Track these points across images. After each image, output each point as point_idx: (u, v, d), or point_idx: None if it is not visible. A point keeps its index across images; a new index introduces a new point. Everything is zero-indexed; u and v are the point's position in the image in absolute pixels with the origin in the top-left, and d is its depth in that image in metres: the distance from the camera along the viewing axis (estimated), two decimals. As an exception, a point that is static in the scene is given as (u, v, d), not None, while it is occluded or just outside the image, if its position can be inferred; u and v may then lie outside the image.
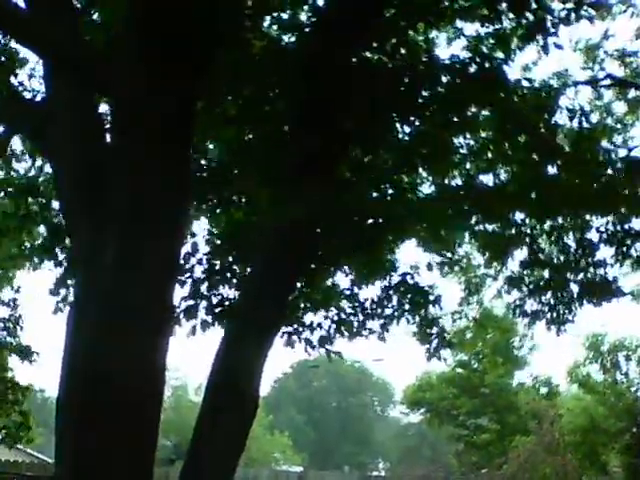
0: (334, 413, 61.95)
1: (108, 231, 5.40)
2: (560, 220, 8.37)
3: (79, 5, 7.96)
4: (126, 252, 5.14)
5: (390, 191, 7.40)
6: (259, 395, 6.53)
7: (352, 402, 62.53)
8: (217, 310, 7.23)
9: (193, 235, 7.82)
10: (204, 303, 7.34)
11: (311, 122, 6.42)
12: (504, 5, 6.72)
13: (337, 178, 6.80)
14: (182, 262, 7.41)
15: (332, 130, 6.33)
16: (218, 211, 7.78)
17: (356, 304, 8.17)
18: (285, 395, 59.01)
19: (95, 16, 8.15)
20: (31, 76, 8.79)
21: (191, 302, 7.28)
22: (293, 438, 49.29)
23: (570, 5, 6.91)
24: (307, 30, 6.85)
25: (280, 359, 25.94)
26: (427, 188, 7.94)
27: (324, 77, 6.26)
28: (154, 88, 5.32)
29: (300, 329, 7.66)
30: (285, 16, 7.19)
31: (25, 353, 12.33)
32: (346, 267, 8.02)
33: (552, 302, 8.66)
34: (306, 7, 7.21)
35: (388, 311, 8.24)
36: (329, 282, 8.17)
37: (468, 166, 7.88)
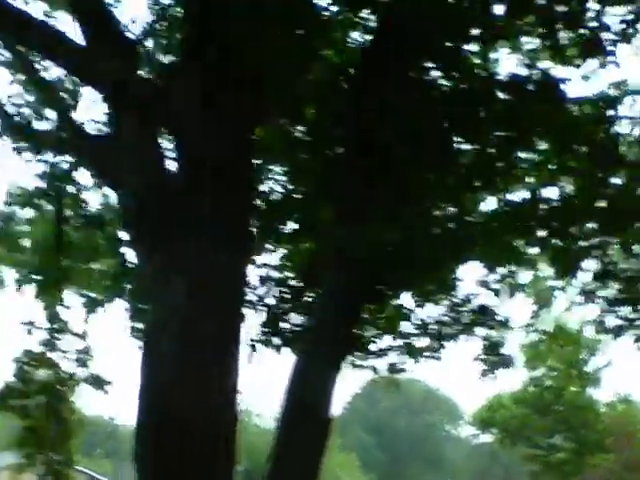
0: (402, 433, 61.42)
1: (175, 263, 5.48)
2: (631, 231, 8.18)
3: (134, 37, 8.15)
4: (194, 284, 5.21)
5: (452, 210, 7.36)
6: (332, 416, 6.55)
7: (420, 422, 61.94)
8: (288, 335, 7.29)
9: (264, 265, 7.92)
10: (276, 329, 7.42)
11: (369, 145, 6.43)
12: (560, 23, 6.64)
13: (402, 203, 6.77)
14: (254, 290, 7.50)
15: (390, 154, 6.33)
16: (287, 239, 7.85)
17: (420, 325, 8.13)
18: (353, 416, 58.75)
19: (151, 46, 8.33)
20: (92, 108, 9.00)
21: (264, 329, 7.36)
22: (361, 459, 48.98)
23: (630, 17, 6.78)
24: (362, 50, 6.88)
25: (348, 380, 25.92)
26: (488, 204, 7.87)
27: (381, 98, 6.26)
28: (213, 124, 5.40)
29: (367, 355, 7.67)
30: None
31: (97, 383, 12.52)
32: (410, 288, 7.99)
33: (631, 317, 8.48)
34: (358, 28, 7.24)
35: (451, 331, 8.18)
36: (393, 303, 8.15)
37: (530, 180, 7.79)
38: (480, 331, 8.22)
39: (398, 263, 6.73)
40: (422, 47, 6.42)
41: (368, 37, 6.99)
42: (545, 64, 7.05)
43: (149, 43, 8.30)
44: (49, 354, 12.14)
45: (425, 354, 8.14)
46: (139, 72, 7.46)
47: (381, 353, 7.83)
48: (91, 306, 11.18)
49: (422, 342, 8.07)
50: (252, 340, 7.51)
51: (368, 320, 7.65)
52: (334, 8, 6.57)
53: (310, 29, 5.76)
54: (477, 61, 7.05)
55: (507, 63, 7.63)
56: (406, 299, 8.13)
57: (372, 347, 7.79)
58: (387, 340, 7.92)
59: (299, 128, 6.86)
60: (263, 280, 8.12)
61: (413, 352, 7.98)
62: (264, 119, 6.03)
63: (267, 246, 8.11)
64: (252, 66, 5.30)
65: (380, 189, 6.42)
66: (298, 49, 5.67)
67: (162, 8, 7.72)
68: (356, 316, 6.95)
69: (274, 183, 7.76)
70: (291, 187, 7.71)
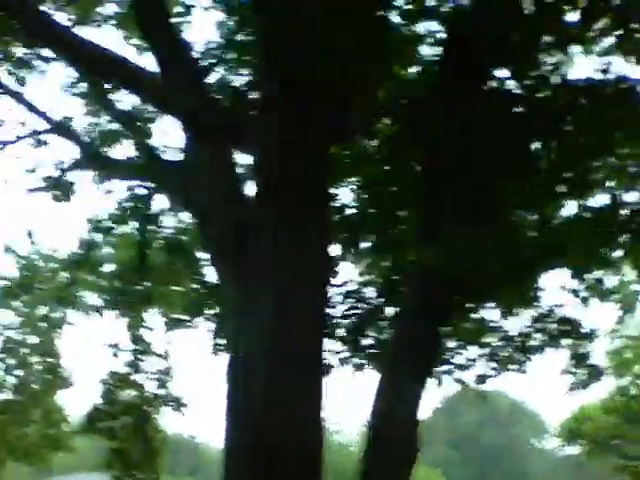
0: (487, 447, 60.48)
1: (256, 284, 5.52)
2: None
3: (207, 63, 8.27)
4: (277, 301, 5.24)
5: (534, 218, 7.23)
6: (419, 432, 6.47)
7: (506, 435, 60.91)
8: (370, 352, 7.23)
9: (344, 282, 7.91)
10: (357, 346, 7.37)
11: (448, 157, 6.36)
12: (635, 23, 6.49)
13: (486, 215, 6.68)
14: (334, 307, 7.49)
15: (471, 165, 6.25)
16: (367, 255, 7.82)
17: (504, 337, 8.00)
18: (436, 430, 58.13)
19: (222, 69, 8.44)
20: (168, 134, 9.16)
21: (345, 347, 7.33)
22: (446, 473, 48.41)
23: None
24: (436, 62, 6.84)
25: (431, 394, 25.67)
26: (567, 210, 7.70)
27: (458, 109, 6.20)
28: (292, 142, 5.43)
29: (452, 368, 7.56)
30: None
31: (176, 404, 12.68)
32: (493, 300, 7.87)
33: None
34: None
35: (535, 343, 8.02)
36: (477, 316, 8.04)
37: (611, 184, 7.61)
38: (566, 342, 8.02)
39: (481, 275, 6.64)
40: (496, 56, 6.35)
41: (438, 49, 6.97)
42: (620, 67, 6.90)
43: (220, 66, 8.44)
44: (133, 375, 12.36)
45: (510, 366, 7.99)
46: (212, 96, 7.60)
47: (466, 365, 7.70)
48: (173, 327, 11.37)
49: (507, 354, 7.91)
50: (334, 357, 7.47)
51: (452, 333, 7.54)
52: (402, 20, 6.57)
53: (387, 46, 5.77)
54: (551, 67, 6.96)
55: (581, 68, 7.52)
56: (490, 311, 8.00)
57: (457, 360, 7.66)
58: (472, 352, 7.79)
59: (374, 143, 6.85)
60: (342, 296, 8.09)
61: (498, 364, 7.83)
62: (343, 136, 6.04)
63: (346, 262, 8.09)
64: (331, 84, 5.31)
65: (461, 201, 6.34)
66: (376, 66, 5.69)
67: (232, 32, 7.82)
68: (439, 330, 6.86)
69: (352, 198, 7.76)
70: (367, 202, 7.69)
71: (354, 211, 7.64)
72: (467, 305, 7.30)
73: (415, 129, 6.51)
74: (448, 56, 6.63)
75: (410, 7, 6.38)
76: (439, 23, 6.61)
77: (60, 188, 8.96)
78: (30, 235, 11.04)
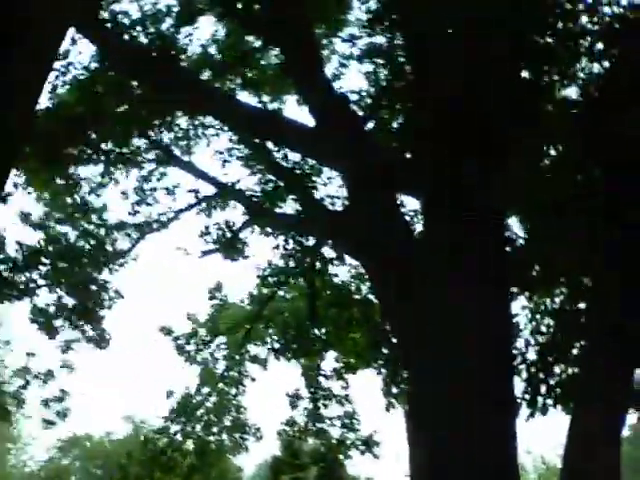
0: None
1: (435, 328, 5.48)
2: None
3: (362, 112, 8.36)
4: (461, 339, 5.18)
5: None
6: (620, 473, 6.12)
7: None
8: (557, 391, 6.91)
9: (515, 315, 7.65)
10: (538, 386, 7.07)
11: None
12: None
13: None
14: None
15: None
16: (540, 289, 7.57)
17: None
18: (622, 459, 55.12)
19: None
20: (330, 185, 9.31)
21: (528, 387, 7.05)
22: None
23: None
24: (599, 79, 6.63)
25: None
26: None
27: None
28: (458, 185, 5.39)
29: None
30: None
31: (367, 446, 12.53)
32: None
33: None
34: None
35: None
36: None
37: None
38: None
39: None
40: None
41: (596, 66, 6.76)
42: None
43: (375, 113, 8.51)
44: (315, 423, 12.41)
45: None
46: (371, 142, 7.66)
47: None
48: (348, 372, 11.43)
49: None
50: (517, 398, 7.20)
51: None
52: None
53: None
54: None
55: None
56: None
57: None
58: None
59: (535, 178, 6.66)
60: (517, 331, 7.81)
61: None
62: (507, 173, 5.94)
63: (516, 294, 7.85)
64: (495, 125, 5.26)
65: None
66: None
67: (387, 79, 7.89)
68: (633, 362, 6.47)
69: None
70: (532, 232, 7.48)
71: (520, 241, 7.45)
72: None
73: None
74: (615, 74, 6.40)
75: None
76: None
77: (233, 248, 9.26)
78: (213, 294, 11.48)
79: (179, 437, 11.31)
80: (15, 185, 8.96)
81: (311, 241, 9.54)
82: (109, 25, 7.90)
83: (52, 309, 9.69)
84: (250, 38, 8.73)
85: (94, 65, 8.27)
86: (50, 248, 9.56)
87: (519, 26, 5.91)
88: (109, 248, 9.74)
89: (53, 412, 11.24)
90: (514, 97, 6.01)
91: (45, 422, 11.60)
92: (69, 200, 9.62)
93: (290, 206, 9.14)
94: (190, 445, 11.38)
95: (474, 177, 5.58)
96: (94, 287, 9.74)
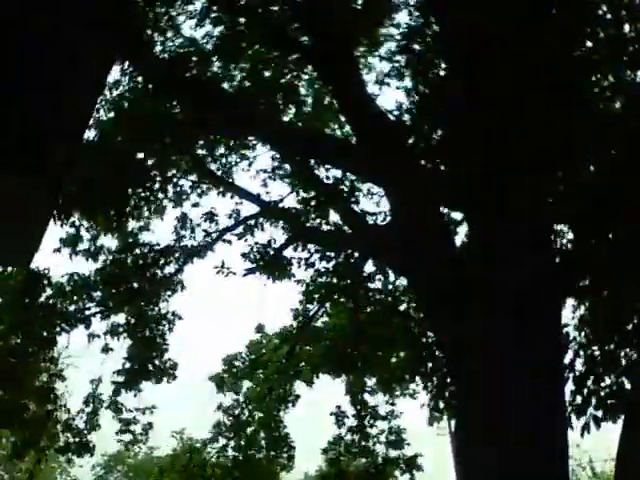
0: None
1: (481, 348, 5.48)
2: None
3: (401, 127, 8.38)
4: (511, 355, 5.16)
5: None
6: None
7: None
8: (608, 402, 6.79)
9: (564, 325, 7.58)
10: (589, 397, 6.96)
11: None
12: None
13: None
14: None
15: None
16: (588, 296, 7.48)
17: None
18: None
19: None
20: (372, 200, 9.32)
21: (578, 398, 6.95)
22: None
23: None
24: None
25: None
26: None
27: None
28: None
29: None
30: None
31: (410, 464, 12.46)
32: None
33: None
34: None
35: None
36: None
37: None
38: None
39: None
40: None
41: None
42: None
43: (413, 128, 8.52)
44: (360, 441, 12.35)
45: None
46: (409, 157, 7.68)
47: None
48: (391, 389, 11.39)
49: None
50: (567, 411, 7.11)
51: None
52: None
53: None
54: None
55: None
56: None
57: None
58: None
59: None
60: (566, 343, 7.72)
61: None
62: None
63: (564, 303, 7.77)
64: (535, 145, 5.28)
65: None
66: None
67: (424, 95, 7.91)
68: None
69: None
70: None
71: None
72: None
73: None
74: None
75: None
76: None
77: (276, 267, 9.29)
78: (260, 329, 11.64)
79: (227, 451, 11.38)
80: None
81: (356, 255, 9.53)
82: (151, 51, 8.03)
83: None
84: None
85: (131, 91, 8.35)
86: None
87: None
88: (159, 273, 9.74)
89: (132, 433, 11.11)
90: (564, 113, 6.00)
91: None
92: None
93: (333, 222, 9.19)
94: (235, 459, 11.42)
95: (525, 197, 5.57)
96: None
